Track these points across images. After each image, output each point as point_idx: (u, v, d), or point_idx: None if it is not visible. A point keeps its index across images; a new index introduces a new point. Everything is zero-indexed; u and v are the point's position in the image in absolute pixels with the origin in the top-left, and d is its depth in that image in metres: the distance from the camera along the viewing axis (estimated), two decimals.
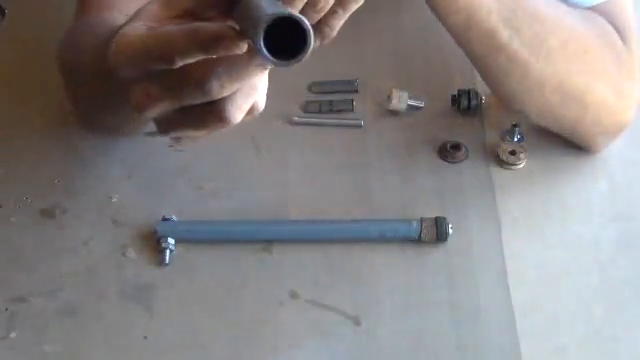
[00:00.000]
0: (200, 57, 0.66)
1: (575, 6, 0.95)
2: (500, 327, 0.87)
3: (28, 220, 0.96)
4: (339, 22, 0.73)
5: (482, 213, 0.96)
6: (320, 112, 1.05)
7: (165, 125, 0.71)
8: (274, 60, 0.61)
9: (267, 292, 0.90)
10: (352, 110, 1.05)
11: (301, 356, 0.86)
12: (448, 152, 1.01)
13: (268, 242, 0.94)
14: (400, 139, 1.02)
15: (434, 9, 0.88)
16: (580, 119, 0.97)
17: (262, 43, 0.61)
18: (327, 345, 0.86)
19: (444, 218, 0.93)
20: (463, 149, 1.01)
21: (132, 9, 0.97)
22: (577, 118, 0.97)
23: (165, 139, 1.01)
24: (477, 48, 0.91)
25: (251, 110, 0.70)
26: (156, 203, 0.96)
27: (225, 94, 0.67)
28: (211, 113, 0.68)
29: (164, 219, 0.94)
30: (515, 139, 1.01)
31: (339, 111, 1.05)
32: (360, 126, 1.04)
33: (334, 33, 0.74)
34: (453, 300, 0.89)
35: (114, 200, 0.97)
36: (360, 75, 1.08)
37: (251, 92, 0.69)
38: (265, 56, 0.61)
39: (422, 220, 0.93)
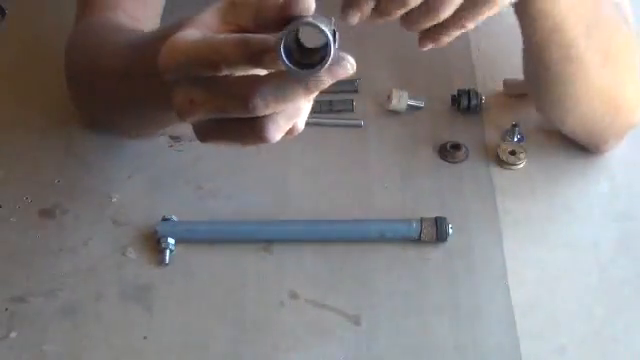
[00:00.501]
0: (246, 68, 0.66)
1: None
2: (500, 327, 0.87)
3: (28, 220, 0.96)
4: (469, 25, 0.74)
5: (482, 213, 0.96)
6: (320, 112, 1.05)
7: (203, 133, 0.72)
8: (292, 67, 0.63)
9: (267, 292, 0.90)
10: (352, 110, 1.05)
11: (301, 356, 0.86)
12: (448, 152, 1.01)
13: (268, 242, 0.94)
14: (400, 139, 1.02)
15: (523, 11, 0.85)
16: (609, 127, 0.97)
17: (282, 48, 0.63)
18: (327, 345, 0.86)
19: (444, 218, 0.93)
20: (463, 149, 1.01)
21: (135, 8, 0.97)
22: (607, 126, 0.97)
23: (165, 139, 1.02)
24: (552, 55, 0.87)
25: (290, 131, 0.71)
26: (156, 203, 0.96)
27: (268, 113, 0.67)
28: (251, 129, 0.69)
29: (164, 219, 0.94)
30: (515, 139, 1.01)
31: (339, 111, 1.05)
32: (360, 126, 1.04)
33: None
34: (453, 300, 0.89)
35: (114, 200, 0.97)
36: (360, 75, 1.07)
37: (294, 114, 0.69)
38: (284, 61, 0.63)
39: (422, 220, 0.93)
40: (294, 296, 0.90)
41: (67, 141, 1.03)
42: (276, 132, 0.69)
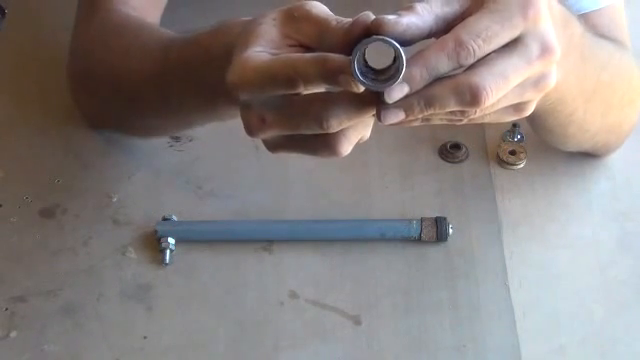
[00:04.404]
0: (321, 87, 0.67)
1: (579, 10, 0.94)
2: (500, 327, 0.87)
3: (28, 220, 0.96)
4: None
5: (482, 213, 0.96)
6: None
7: (273, 146, 0.73)
8: (364, 81, 0.65)
9: (267, 292, 0.90)
10: None
11: (301, 356, 0.86)
12: (448, 152, 1.01)
13: (268, 242, 0.94)
14: (400, 139, 1.02)
15: (551, 111, 0.84)
16: (613, 145, 0.99)
17: (355, 64, 0.64)
18: (327, 345, 0.86)
19: (444, 218, 0.93)
20: (463, 149, 1.01)
21: (143, 7, 0.97)
22: (609, 149, 1.00)
23: (165, 139, 1.02)
24: (554, 121, 0.88)
25: (358, 140, 0.72)
26: (156, 203, 0.96)
27: (341, 128, 0.69)
28: (323, 143, 0.70)
29: (164, 219, 0.94)
30: (515, 139, 1.01)
31: None
32: None
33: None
34: (453, 300, 0.89)
35: (114, 200, 0.97)
36: None
37: (364, 128, 0.71)
38: (358, 77, 0.64)
39: (422, 220, 0.93)
40: (294, 296, 0.90)
41: (67, 141, 1.03)
42: (348, 145, 0.70)
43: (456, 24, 0.69)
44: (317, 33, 0.70)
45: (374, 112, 0.68)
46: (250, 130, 0.71)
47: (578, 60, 0.80)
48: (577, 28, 0.80)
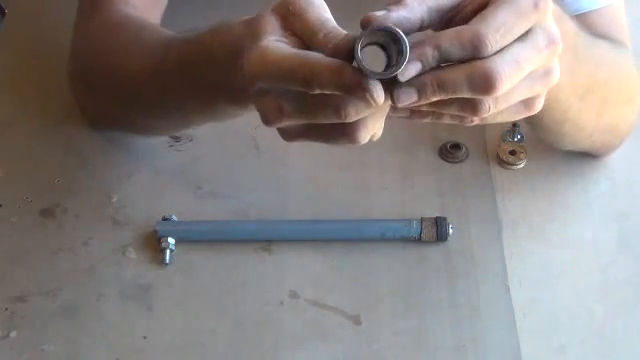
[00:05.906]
0: (335, 92, 0.67)
1: (578, 10, 0.94)
2: (500, 327, 0.87)
3: (28, 220, 0.96)
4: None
5: (482, 213, 0.96)
6: None
7: (289, 134, 0.73)
8: (369, 70, 0.65)
9: (267, 292, 0.90)
10: None
11: (301, 356, 0.86)
12: (448, 152, 1.01)
13: (268, 242, 0.94)
14: (400, 139, 1.02)
15: (546, 108, 0.83)
16: (611, 144, 0.99)
17: (359, 51, 0.64)
18: (327, 345, 0.86)
19: (444, 218, 0.93)
20: (463, 149, 1.01)
21: (145, 8, 0.97)
22: (611, 145, 0.99)
23: (165, 139, 1.02)
24: (549, 119, 0.88)
25: (373, 135, 0.72)
26: (156, 203, 0.96)
27: (358, 118, 0.69)
28: (341, 132, 0.70)
29: (164, 219, 0.94)
30: (515, 139, 1.01)
31: None
32: None
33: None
34: (453, 300, 0.89)
35: (114, 200, 0.97)
36: None
37: (381, 116, 0.71)
38: (362, 65, 0.64)
39: (422, 220, 0.93)
40: (294, 296, 0.90)
41: (67, 141, 1.03)
42: (366, 134, 0.71)
43: (452, 15, 0.69)
44: (307, 36, 0.70)
45: (390, 101, 0.68)
46: (267, 119, 0.71)
47: (572, 58, 0.81)
48: (570, 27, 0.80)
